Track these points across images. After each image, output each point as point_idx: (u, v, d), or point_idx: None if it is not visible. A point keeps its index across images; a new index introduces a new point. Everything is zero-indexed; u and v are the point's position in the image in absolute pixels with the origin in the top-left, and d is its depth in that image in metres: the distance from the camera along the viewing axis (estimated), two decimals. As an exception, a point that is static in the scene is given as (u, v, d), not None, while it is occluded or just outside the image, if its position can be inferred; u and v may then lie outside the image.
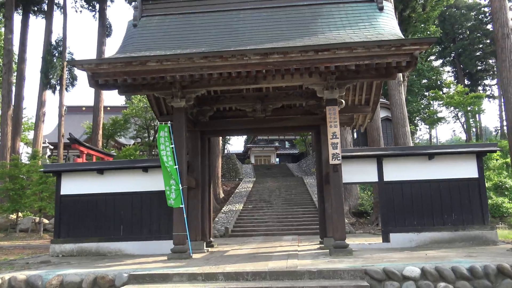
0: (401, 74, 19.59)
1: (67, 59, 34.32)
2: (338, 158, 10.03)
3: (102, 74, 9.37)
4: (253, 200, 26.16)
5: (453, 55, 59.58)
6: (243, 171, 43.28)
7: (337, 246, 9.65)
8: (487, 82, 61.37)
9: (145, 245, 11.79)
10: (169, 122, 10.62)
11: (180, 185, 10.18)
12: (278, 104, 12.38)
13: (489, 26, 54.33)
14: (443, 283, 7.20)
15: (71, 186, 12.41)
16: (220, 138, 31.36)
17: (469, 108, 42.30)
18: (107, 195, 12.27)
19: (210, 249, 12.38)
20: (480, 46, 57.69)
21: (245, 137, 75.83)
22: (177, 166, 10.28)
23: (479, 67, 59.22)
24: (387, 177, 11.75)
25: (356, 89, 12.92)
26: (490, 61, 57.21)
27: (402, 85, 19.05)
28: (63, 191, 12.43)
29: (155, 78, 9.61)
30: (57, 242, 12.13)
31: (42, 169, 14.50)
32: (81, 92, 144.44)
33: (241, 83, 10.41)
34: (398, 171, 11.76)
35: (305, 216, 21.46)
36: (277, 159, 64.71)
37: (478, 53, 57.91)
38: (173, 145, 10.44)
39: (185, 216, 10.17)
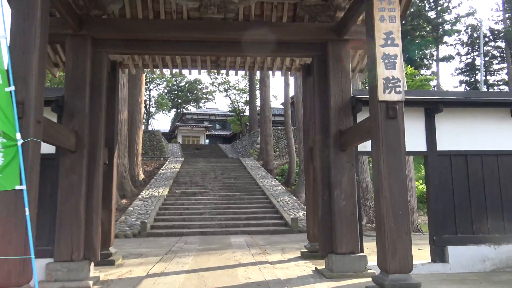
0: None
1: None
2: (398, 89, 4.51)
3: None
4: (182, 184, 20.10)
5: (395, 40, 57.59)
6: (169, 150, 36.88)
7: (396, 286, 4.15)
8: (423, 72, 60.54)
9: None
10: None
11: (17, 135, 4.03)
12: (250, 1, 6.49)
13: (432, 13, 52.63)
14: None
15: None
16: (142, 104, 24.45)
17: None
18: None
19: (105, 274, 6.31)
20: (422, 33, 56.22)
21: (172, 115, 68.77)
22: (12, 88, 4.09)
23: (417, 56, 58.00)
24: (442, 145, 6.51)
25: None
26: (427, 51, 56.01)
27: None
28: None
29: None
30: None
31: None
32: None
33: None
34: (461, 134, 6.57)
35: (253, 206, 15.93)
36: (207, 140, 58.88)
37: (418, 40, 56.44)
38: (5, 37, 4.21)
39: (27, 210, 4.04)
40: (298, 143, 20.26)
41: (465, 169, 6.48)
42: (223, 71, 9.43)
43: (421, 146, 6.48)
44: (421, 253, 7.53)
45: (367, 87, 5.21)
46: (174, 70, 9.19)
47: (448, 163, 6.47)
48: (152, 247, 9.75)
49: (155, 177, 21.54)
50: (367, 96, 5.95)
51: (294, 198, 17.04)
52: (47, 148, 5.89)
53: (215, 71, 9.45)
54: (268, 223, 13.73)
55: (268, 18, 7.60)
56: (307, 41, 6.60)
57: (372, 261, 6.20)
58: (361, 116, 6.16)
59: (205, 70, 9.35)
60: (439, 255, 6.25)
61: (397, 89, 4.50)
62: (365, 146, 6.37)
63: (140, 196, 16.84)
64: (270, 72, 9.68)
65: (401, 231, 4.33)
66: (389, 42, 4.58)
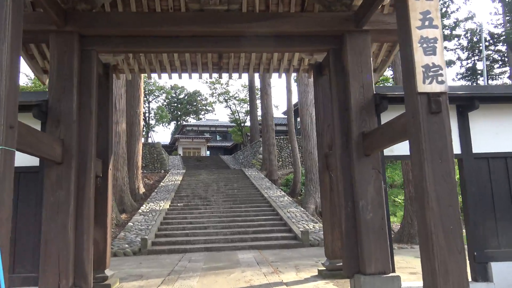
0: None
1: None
2: (440, 78, 3.79)
3: None
4: (184, 197, 19.32)
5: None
6: (170, 162, 36.16)
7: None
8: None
9: None
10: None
11: (-17, 142, 3.31)
12: (256, -10, 5.82)
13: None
14: None
15: None
16: (141, 116, 23.74)
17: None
18: None
19: (99, 301, 5.55)
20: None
21: (172, 128, 68.13)
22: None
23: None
24: (478, 146, 5.78)
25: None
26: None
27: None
28: None
29: None
30: None
31: None
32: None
33: None
34: (499, 134, 5.84)
35: (260, 218, 15.13)
36: (208, 152, 58.20)
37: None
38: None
39: (-4, 237, 3.29)
40: (303, 152, 19.49)
41: (506, 173, 5.73)
42: (226, 74, 8.75)
43: (455, 148, 5.71)
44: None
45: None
46: (173, 74, 8.50)
47: (486, 167, 5.73)
48: (153, 266, 8.96)
49: (156, 190, 20.79)
50: (394, 92, 5.26)
51: (302, 209, 16.24)
52: (29, 160, 5.18)
53: (217, 74, 8.72)
54: (277, 237, 12.92)
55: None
56: (321, 33, 5.89)
57: (405, 281, 5.44)
58: (386, 116, 5.45)
59: (207, 73, 8.64)
60: (481, 273, 5.47)
61: (440, 79, 3.79)
62: (392, 150, 5.63)
63: (140, 211, 16.05)
64: (276, 76, 8.93)
65: (454, 249, 3.58)
66: (426, 23, 3.88)
